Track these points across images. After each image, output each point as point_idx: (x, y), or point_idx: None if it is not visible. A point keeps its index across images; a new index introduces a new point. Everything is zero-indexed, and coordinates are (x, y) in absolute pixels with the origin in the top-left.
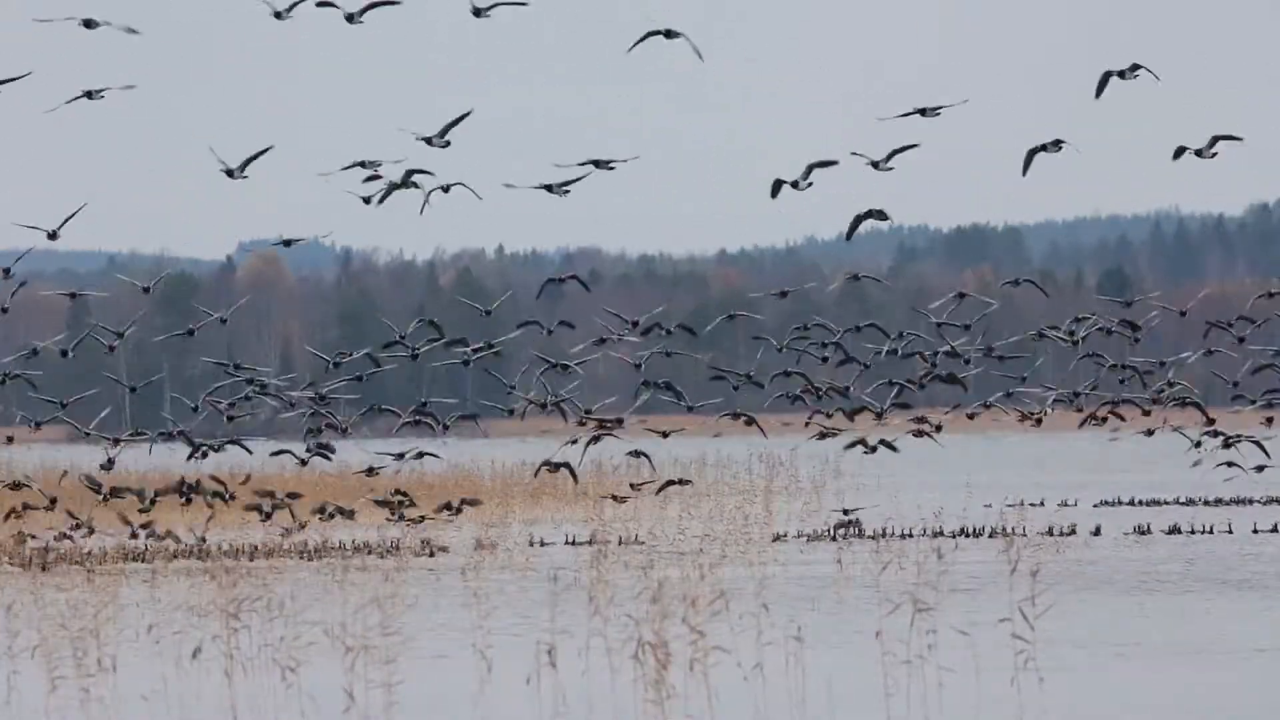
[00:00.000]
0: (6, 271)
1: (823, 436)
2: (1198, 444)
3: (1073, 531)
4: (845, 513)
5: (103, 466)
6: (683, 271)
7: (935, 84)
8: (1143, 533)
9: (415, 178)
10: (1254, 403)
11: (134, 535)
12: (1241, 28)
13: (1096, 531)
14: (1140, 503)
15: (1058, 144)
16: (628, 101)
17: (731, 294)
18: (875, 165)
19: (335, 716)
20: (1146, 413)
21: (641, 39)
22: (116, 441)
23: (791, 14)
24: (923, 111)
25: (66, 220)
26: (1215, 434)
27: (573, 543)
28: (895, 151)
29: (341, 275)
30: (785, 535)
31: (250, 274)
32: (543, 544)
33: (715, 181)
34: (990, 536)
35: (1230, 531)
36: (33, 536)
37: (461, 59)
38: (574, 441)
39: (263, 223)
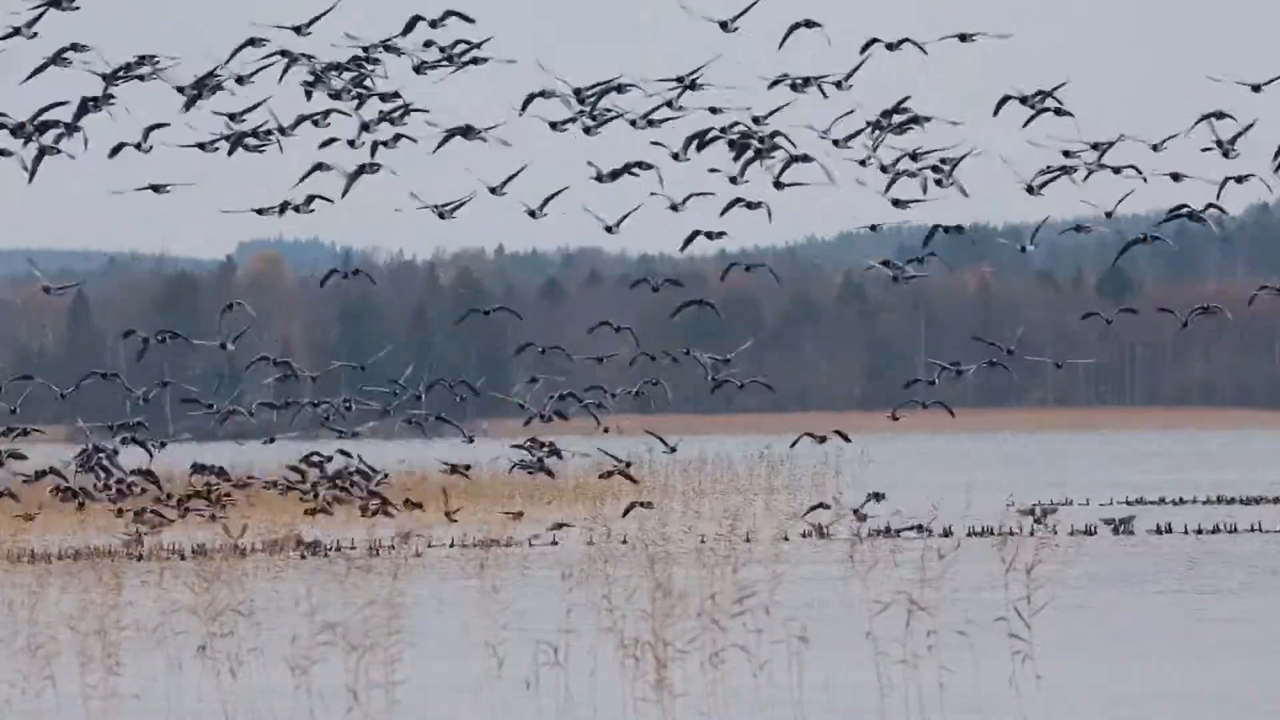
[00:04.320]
0: (347, 275)
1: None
2: None
3: (1089, 531)
4: (855, 512)
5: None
6: (682, 271)
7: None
8: (1158, 532)
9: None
10: None
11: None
12: (1240, 26)
13: (1117, 530)
14: (1145, 501)
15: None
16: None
17: (732, 294)
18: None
19: (338, 716)
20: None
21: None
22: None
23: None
24: (961, 37)
25: (548, 200)
26: None
27: (570, 541)
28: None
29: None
30: (788, 535)
31: (250, 274)
32: (548, 543)
33: (714, 181)
34: (995, 535)
35: (1234, 531)
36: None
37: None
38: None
39: (263, 222)
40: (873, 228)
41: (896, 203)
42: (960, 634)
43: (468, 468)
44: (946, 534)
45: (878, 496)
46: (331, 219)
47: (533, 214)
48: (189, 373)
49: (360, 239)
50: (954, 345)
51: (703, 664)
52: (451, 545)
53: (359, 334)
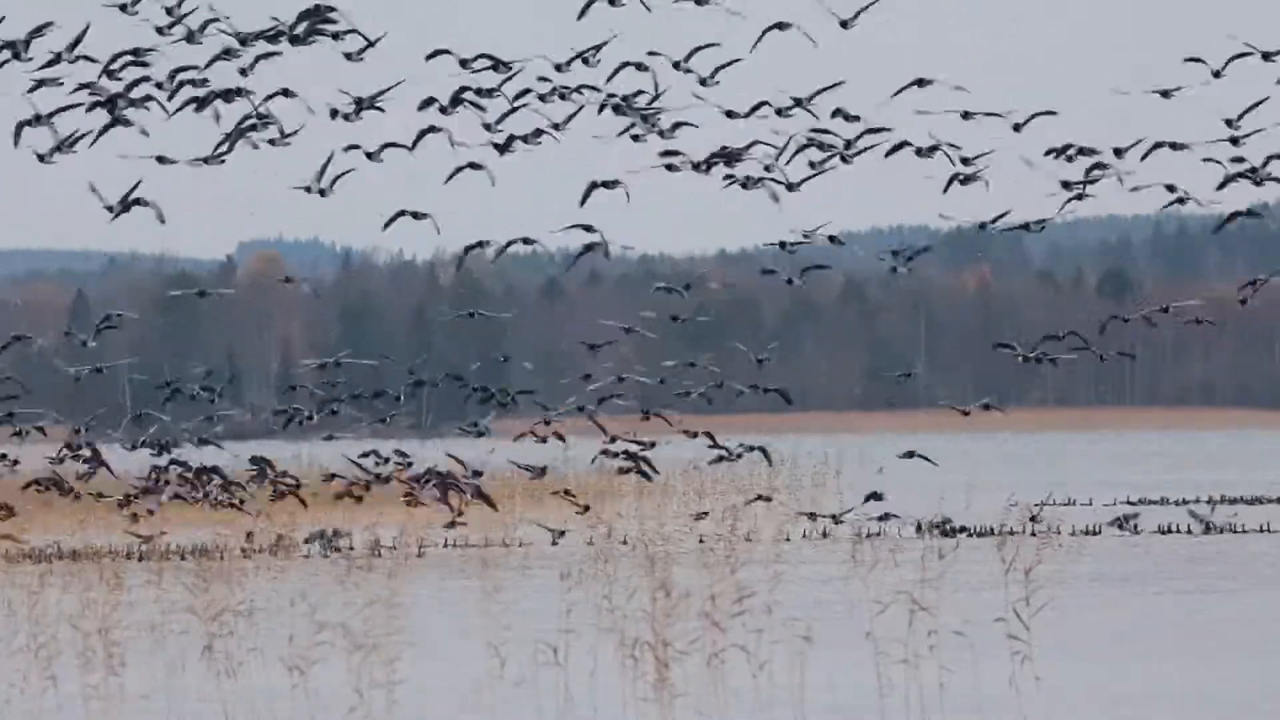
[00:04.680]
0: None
1: None
2: None
3: (1091, 531)
4: (841, 515)
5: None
6: (682, 271)
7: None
8: (1159, 532)
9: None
10: None
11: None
12: (1238, 27)
13: (1121, 528)
14: (1146, 501)
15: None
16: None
17: (732, 294)
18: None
19: (338, 716)
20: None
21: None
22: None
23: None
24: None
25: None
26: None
27: (574, 541)
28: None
29: (341, 275)
30: (790, 534)
31: (250, 274)
32: (548, 543)
33: (714, 180)
34: (995, 535)
35: (1234, 531)
36: None
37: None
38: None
39: (263, 222)
40: (805, 234)
41: (790, 186)
42: (960, 634)
43: (544, 470)
44: (947, 534)
45: (877, 496)
46: (332, 219)
47: (322, 193)
48: (188, 372)
49: (360, 239)
50: (954, 345)
51: (703, 664)
52: (447, 545)
53: (359, 334)
